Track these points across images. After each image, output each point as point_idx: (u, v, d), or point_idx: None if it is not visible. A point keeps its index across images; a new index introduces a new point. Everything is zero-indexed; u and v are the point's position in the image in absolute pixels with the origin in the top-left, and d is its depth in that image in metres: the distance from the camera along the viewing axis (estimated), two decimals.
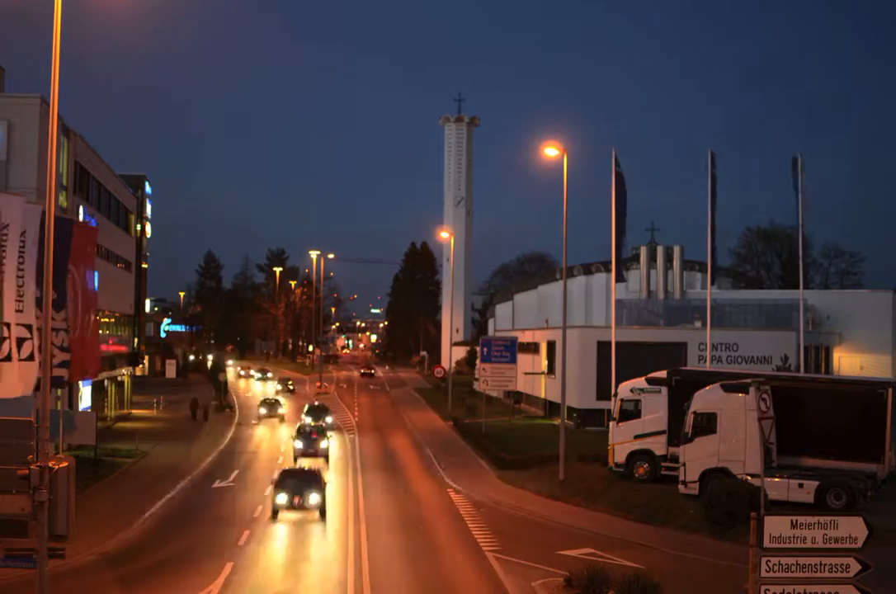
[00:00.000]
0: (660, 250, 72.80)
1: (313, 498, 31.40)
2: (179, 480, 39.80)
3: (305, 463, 42.50)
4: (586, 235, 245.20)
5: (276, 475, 33.69)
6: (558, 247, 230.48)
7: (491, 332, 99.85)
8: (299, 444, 45.23)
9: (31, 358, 23.52)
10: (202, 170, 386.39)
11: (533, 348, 71.42)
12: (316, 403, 63.28)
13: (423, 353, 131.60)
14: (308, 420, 54.21)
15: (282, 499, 31.40)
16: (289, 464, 41.76)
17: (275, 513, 31.69)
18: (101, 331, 55.52)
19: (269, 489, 33.61)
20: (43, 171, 38.39)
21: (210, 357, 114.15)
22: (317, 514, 31.56)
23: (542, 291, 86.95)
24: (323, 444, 45.11)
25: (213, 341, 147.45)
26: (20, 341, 23.39)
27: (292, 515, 31.68)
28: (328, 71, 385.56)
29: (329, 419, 56.81)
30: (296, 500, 31.30)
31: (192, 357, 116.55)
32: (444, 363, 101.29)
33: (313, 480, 32.42)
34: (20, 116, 40.54)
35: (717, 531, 28.81)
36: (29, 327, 23.45)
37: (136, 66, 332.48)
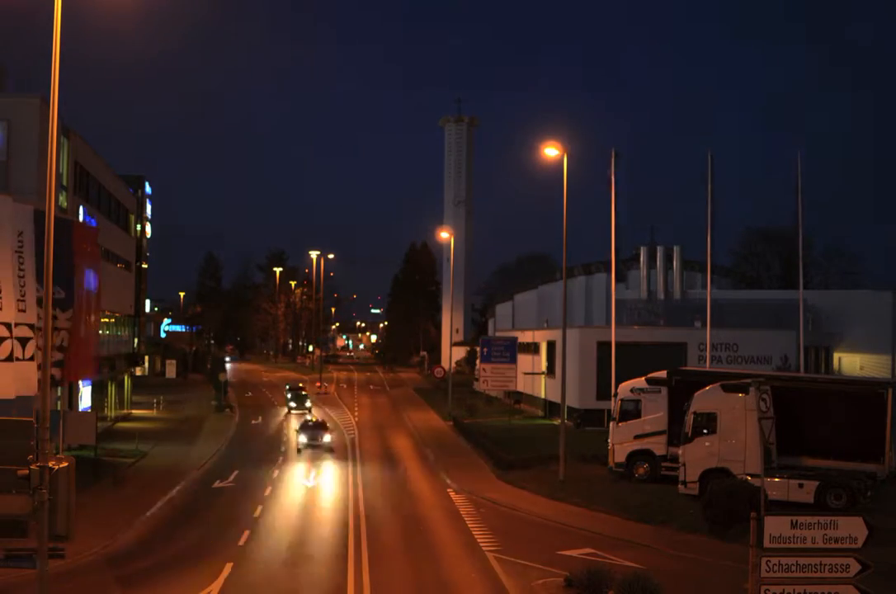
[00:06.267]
0: (660, 250, 72.76)
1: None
2: (179, 480, 39.79)
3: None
4: (586, 235, 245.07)
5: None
6: (558, 247, 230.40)
7: (491, 332, 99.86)
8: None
9: (32, 358, 23.31)
10: (202, 170, 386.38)
11: (533, 348, 71.42)
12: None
13: (423, 354, 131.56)
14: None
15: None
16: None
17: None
18: (100, 332, 55.66)
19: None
20: (43, 171, 38.35)
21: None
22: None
23: (542, 291, 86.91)
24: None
25: (212, 341, 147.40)
26: (23, 341, 23.20)
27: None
28: (328, 70, 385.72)
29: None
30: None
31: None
32: (444, 363, 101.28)
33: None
34: (20, 116, 40.48)
35: (717, 531, 28.78)
36: (32, 327, 23.26)
37: (136, 65, 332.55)
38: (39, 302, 22.84)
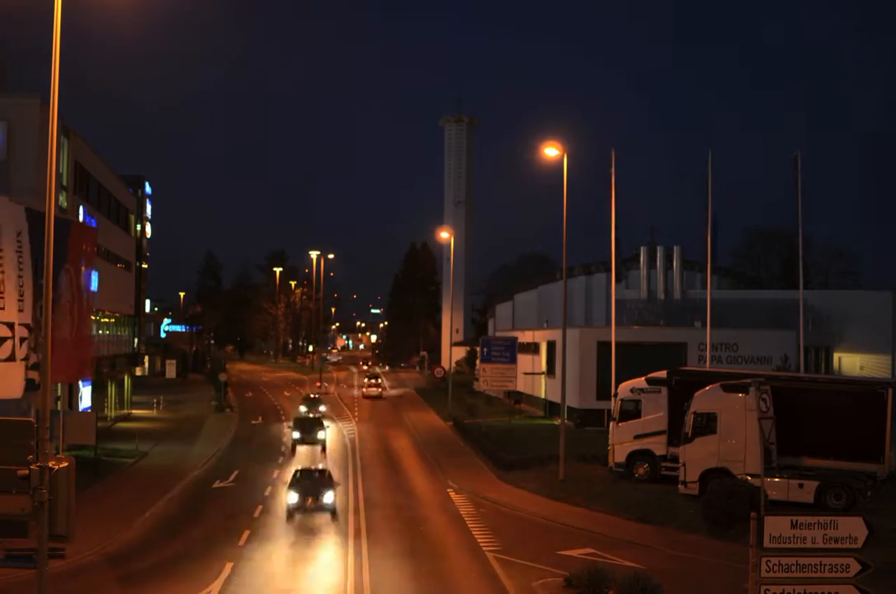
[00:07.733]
0: (659, 250, 72.76)
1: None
2: (179, 480, 39.80)
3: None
4: (587, 235, 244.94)
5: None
6: (558, 247, 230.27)
7: (491, 332, 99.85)
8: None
9: (11, 358, 22.15)
10: (202, 170, 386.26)
11: (533, 348, 71.40)
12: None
13: (423, 354, 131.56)
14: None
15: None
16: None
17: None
18: (100, 332, 55.68)
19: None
20: (43, 171, 38.32)
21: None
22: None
23: (543, 291, 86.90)
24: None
25: (213, 341, 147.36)
26: None
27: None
28: (327, 71, 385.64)
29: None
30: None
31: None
32: (444, 363, 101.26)
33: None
34: (20, 116, 40.48)
35: (717, 531, 28.79)
36: (10, 325, 22.14)
37: (137, 65, 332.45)
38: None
